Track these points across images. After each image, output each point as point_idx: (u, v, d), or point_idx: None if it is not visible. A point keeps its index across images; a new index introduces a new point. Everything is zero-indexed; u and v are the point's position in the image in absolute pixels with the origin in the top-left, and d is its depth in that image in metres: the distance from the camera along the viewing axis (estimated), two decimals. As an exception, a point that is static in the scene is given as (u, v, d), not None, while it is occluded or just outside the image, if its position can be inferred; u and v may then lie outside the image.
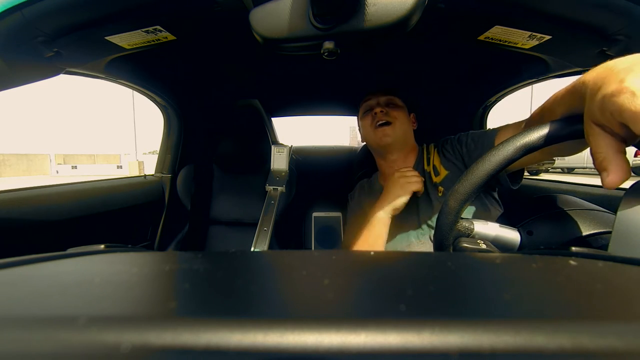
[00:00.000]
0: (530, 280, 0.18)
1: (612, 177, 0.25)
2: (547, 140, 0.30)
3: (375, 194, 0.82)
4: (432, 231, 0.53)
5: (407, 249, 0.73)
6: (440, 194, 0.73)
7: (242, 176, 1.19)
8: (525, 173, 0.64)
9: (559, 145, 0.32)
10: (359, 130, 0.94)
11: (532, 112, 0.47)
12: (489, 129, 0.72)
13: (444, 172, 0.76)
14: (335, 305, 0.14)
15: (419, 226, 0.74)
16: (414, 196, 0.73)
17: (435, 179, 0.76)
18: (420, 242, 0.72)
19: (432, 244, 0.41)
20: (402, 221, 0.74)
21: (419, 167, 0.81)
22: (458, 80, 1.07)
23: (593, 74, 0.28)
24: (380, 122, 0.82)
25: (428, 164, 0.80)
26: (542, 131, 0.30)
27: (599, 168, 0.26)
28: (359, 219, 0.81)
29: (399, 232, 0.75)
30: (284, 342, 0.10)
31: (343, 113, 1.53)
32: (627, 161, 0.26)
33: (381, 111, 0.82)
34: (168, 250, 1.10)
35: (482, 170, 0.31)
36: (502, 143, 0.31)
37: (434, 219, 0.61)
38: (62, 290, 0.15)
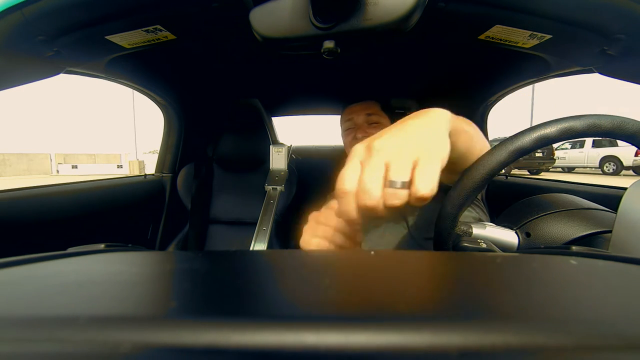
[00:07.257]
0: (530, 280, 0.18)
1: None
2: (540, 142, 0.30)
3: None
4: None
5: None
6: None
7: (243, 175, 1.19)
8: (526, 172, 0.62)
9: None
10: (343, 140, 0.92)
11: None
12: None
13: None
14: (335, 305, 0.14)
15: None
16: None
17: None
18: None
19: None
20: None
21: None
22: (458, 80, 1.06)
23: None
24: None
25: None
26: (535, 133, 0.30)
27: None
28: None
29: None
30: (284, 342, 0.10)
31: None
32: None
33: (362, 136, 0.79)
34: (168, 249, 1.10)
35: (478, 175, 0.31)
36: (495, 146, 0.32)
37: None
38: (62, 289, 0.15)
